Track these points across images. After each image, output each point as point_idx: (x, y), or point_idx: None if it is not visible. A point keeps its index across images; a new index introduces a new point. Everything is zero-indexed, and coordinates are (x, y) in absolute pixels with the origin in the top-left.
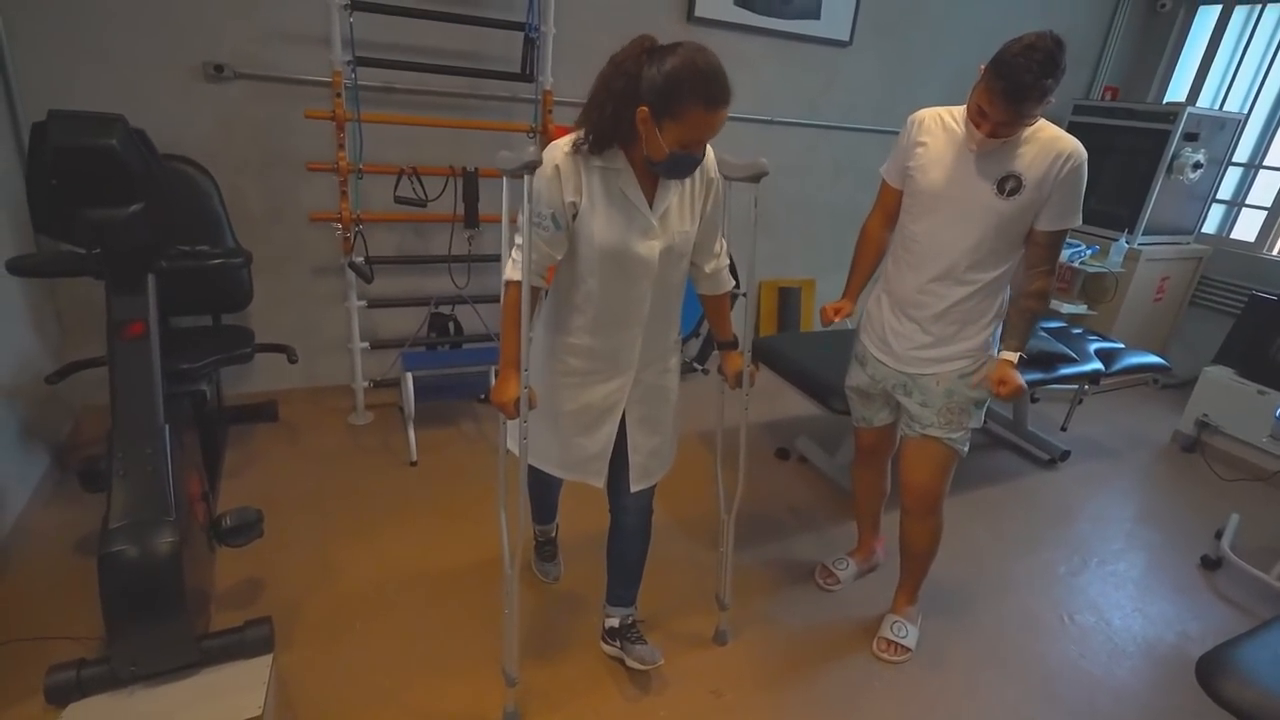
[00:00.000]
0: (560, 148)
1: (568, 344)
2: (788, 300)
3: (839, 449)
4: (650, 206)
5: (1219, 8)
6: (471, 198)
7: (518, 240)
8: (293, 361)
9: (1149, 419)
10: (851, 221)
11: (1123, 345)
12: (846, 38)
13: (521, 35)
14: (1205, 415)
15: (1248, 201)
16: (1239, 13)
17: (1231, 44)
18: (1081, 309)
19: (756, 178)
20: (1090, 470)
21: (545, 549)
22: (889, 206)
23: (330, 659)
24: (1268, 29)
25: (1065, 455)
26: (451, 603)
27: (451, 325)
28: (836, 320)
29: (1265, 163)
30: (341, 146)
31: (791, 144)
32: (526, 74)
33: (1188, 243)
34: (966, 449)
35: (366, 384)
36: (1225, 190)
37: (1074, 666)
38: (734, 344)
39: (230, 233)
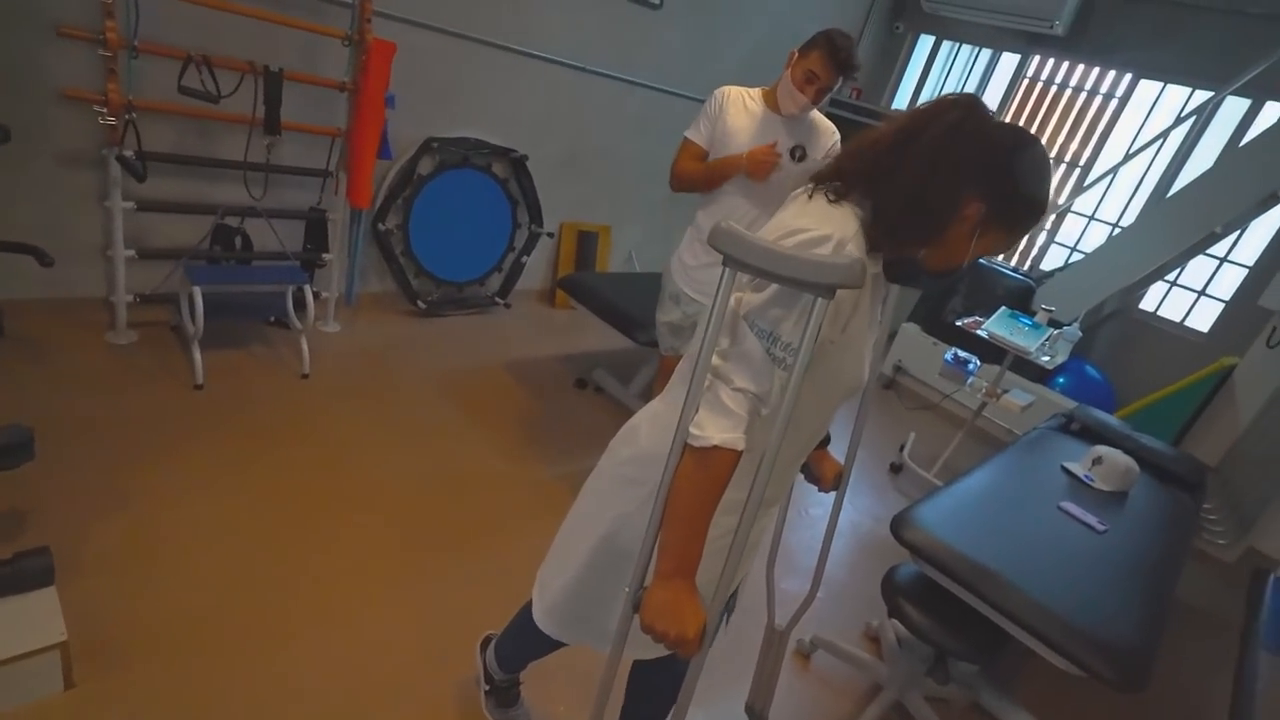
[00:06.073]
0: (850, 234)
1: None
2: (586, 243)
3: (633, 380)
4: None
5: (933, 38)
6: (274, 101)
7: (727, 380)
8: (46, 264)
9: None
10: (650, 175)
11: None
12: (658, 1)
13: None
14: (900, 361)
15: None
16: (945, 45)
17: (939, 68)
18: None
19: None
20: None
21: (509, 693)
22: (698, 158)
23: (136, 583)
24: (961, 61)
25: None
26: (271, 516)
27: (239, 239)
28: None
29: None
30: (110, 15)
31: (603, 94)
32: None
33: None
34: None
35: (130, 298)
36: None
37: (808, 546)
38: (827, 440)
39: None
